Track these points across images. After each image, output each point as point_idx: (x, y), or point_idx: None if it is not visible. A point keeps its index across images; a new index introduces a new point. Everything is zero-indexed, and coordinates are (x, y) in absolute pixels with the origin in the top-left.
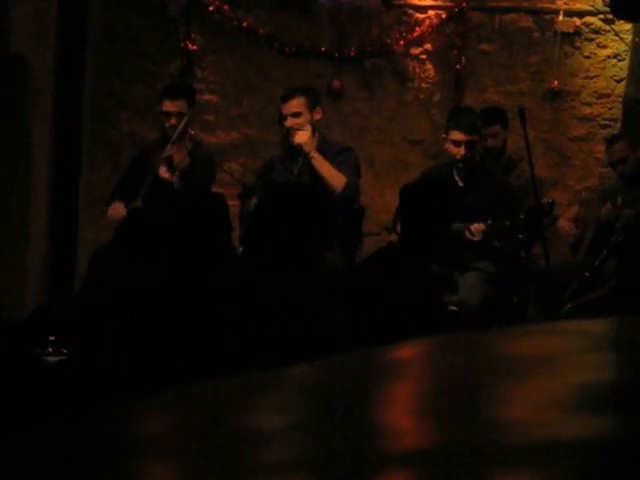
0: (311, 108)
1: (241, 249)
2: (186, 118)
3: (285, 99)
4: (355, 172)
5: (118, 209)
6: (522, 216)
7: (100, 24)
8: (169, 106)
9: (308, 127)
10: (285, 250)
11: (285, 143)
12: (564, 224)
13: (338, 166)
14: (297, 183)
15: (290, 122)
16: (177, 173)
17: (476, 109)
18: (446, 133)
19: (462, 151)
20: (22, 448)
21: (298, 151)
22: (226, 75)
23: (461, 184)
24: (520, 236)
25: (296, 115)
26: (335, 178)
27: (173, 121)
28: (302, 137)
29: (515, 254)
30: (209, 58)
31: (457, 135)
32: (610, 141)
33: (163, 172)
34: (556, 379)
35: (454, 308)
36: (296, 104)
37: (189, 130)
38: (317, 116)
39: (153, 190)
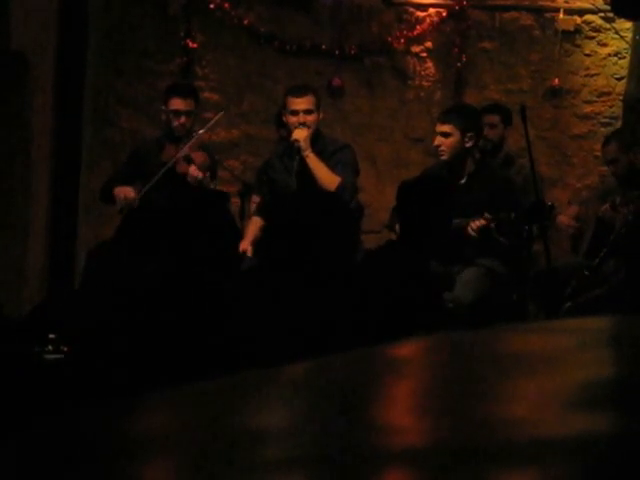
0: (318, 108)
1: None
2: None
3: (297, 94)
4: (352, 171)
5: (126, 191)
6: (527, 209)
7: (100, 22)
8: (180, 104)
9: (314, 124)
10: (303, 256)
11: (284, 142)
12: (564, 219)
13: (335, 165)
14: (309, 191)
15: (302, 118)
16: (207, 173)
17: (473, 106)
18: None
19: (436, 141)
20: (22, 448)
21: (296, 148)
22: (226, 73)
23: (459, 181)
24: (527, 227)
25: (308, 112)
26: (328, 178)
27: (183, 119)
28: (301, 134)
29: (518, 250)
30: (209, 56)
31: (437, 126)
32: (605, 141)
33: (194, 172)
34: (556, 377)
35: (450, 305)
36: (309, 101)
37: (198, 130)
38: (320, 117)
39: (163, 188)
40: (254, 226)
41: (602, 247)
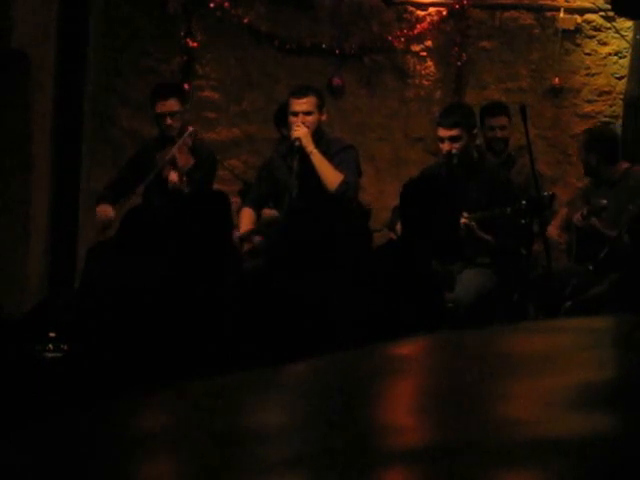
0: (320, 109)
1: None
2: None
3: (298, 95)
4: (354, 170)
5: (106, 211)
6: (524, 202)
7: (101, 21)
8: (162, 107)
9: (313, 125)
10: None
11: (285, 141)
12: (553, 232)
13: (338, 164)
14: (311, 197)
15: (301, 119)
16: (184, 178)
17: (472, 105)
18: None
19: (446, 147)
20: (22, 448)
21: (297, 146)
22: (227, 72)
23: (459, 180)
24: (523, 221)
25: (308, 113)
26: (331, 175)
27: (169, 121)
28: (300, 131)
29: (516, 248)
30: (209, 55)
31: (440, 132)
32: None
33: (173, 177)
34: (557, 376)
35: (450, 305)
36: (309, 102)
37: (188, 127)
38: (323, 118)
39: (154, 190)
40: (246, 219)
41: (588, 252)
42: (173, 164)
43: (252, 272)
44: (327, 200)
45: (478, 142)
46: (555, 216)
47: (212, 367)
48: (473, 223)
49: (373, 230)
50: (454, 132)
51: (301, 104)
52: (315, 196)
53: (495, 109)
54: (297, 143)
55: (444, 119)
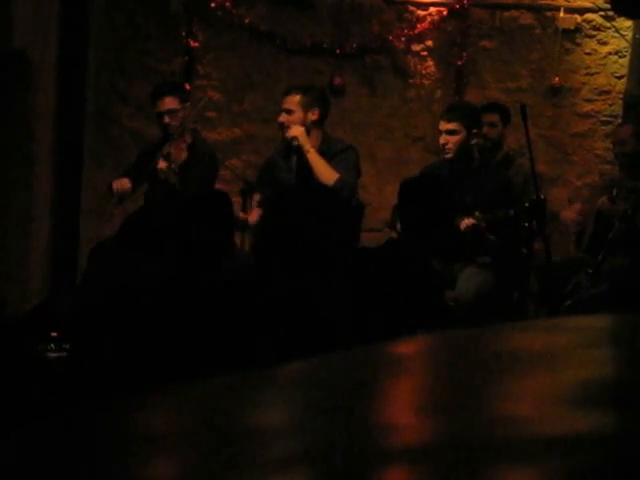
0: (306, 107)
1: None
2: (188, 111)
3: (284, 94)
4: (352, 171)
5: (122, 183)
6: (527, 204)
7: (102, 20)
8: (161, 105)
9: (297, 124)
10: (302, 254)
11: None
12: (568, 214)
13: (337, 164)
14: (306, 184)
15: (282, 118)
16: (173, 167)
17: (473, 103)
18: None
19: (442, 139)
20: (22, 448)
21: (294, 145)
22: (228, 72)
23: (460, 179)
24: (526, 224)
25: (288, 112)
26: (326, 174)
27: (167, 119)
28: (294, 131)
29: (517, 247)
30: (211, 55)
31: (440, 124)
32: (621, 122)
33: (161, 165)
34: (557, 375)
35: (451, 304)
36: (290, 101)
37: (187, 124)
38: (313, 117)
39: (153, 189)
40: (256, 215)
41: (603, 242)
42: (167, 158)
43: (252, 272)
44: (321, 193)
45: (480, 142)
46: (570, 206)
47: (212, 367)
48: (483, 224)
49: (373, 229)
50: (451, 125)
51: (285, 102)
52: (308, 188)
53: (487, 107)
54: (295, 142)
55: (445, 113)
